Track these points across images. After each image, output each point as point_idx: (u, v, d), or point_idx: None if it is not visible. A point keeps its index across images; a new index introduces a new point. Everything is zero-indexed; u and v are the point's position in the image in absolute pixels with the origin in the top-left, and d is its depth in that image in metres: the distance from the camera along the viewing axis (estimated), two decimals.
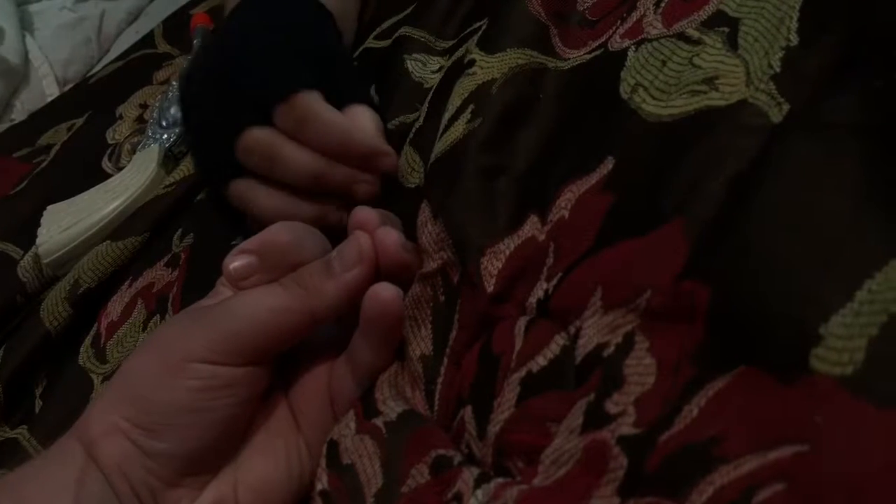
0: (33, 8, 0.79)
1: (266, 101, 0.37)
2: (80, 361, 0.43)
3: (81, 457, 0.29)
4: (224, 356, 0.29)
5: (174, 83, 0.56)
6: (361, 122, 0.38)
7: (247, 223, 0.41)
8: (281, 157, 0.37)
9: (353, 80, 0.42)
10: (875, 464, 0.17)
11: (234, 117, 0.38)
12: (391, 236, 0.31)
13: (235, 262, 0.31)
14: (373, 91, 0.43)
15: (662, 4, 0.30)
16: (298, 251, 0.31)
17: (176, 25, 0.69)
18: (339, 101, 0.39)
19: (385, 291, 0.30)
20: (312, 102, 0.37)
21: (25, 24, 0.77)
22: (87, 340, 0.44)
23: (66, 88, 0.75)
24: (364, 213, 0.32)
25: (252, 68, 0.39)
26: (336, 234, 0.33)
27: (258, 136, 0.38)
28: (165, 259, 0.45)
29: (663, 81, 0.28)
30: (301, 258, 0.31)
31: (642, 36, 0.30)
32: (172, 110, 0.53)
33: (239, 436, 0.31)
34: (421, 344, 0.31)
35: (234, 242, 0.42)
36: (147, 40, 0.69)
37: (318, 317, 0.31)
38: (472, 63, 0.35)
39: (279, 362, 0.32)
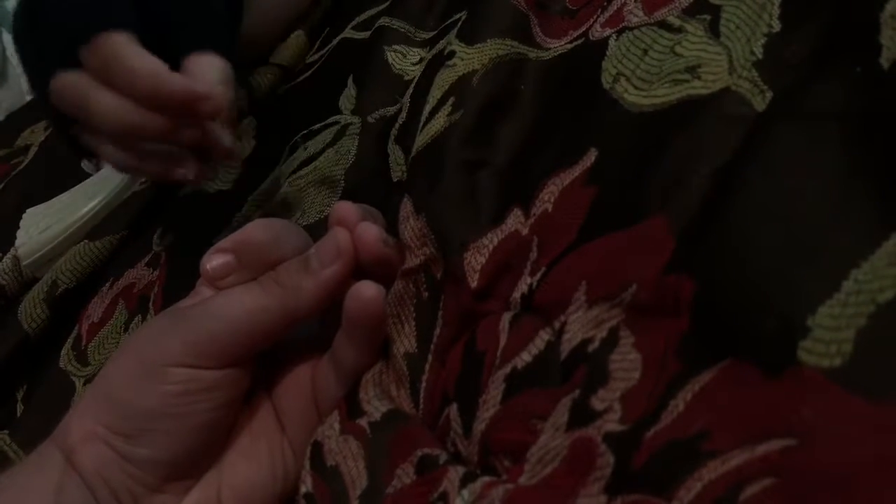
0: (10, 4, 0.78)
1: (71, 44, 0.33)
2: (62, 364, 0.43)
3: (61, 463, 0.29)
4: (202, 359, 0.29)
5: None
6: (200, 70, 0.35)
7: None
8: (90, 105, 0.34)
9: (206, 24, 0.38)
10: (864, 457, 0.17)
11: (44, 59, 0.35)
12: (371, 231, 0.30)
13: (212, 262, 0.31)
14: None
15: None
16: (277, 248, 0.31)
17: None
18: (184, 47, 0.35)
19: (367, 290, 0.29)
20: (118, 46, 0.33)
21: (3, 21, 0.76)
22: (69, 343, 0.44)
23: None
24: (344, 209, 0.31)
25: (60, 2, 0.34)
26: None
27: (66, 82, 0.34)
28: (146, 259, 0.45)
29: (645, 70, 0.28)
30: (280, 255, 0.31)
31: (623, 24, 0.30)
32: None
33: (222, 439, 0.31)
34: (405, 341, 0.30)
35: (215, 240, 0.42)
36: None
37: (297, 315, 0.30)
38: (452, 54, 0.35)
39: (262, 363, 0.32)
